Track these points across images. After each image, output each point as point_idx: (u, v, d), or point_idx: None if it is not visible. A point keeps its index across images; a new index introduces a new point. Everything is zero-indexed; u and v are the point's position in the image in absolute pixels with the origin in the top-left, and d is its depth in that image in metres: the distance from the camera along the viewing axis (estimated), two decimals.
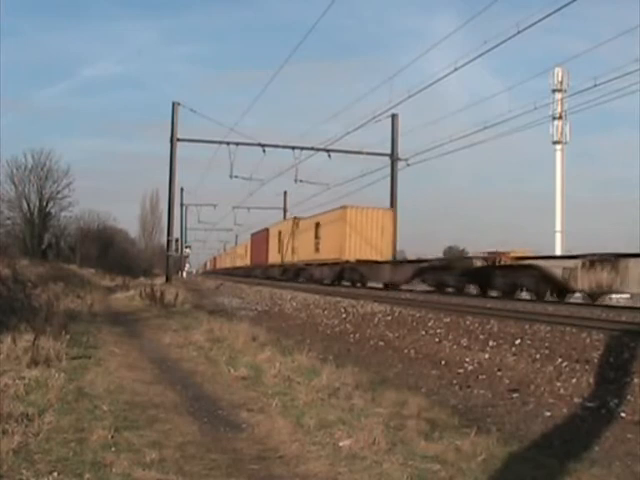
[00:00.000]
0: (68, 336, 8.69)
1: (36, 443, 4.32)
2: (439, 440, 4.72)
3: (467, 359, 9.53)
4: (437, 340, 11.14)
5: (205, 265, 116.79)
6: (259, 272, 49.41)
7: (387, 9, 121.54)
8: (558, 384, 7.59)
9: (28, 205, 50.82)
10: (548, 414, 6.65)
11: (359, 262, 29.34)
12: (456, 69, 20.55)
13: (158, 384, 6.87)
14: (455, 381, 8.49)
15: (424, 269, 24.17)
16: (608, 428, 6.00)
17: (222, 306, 22.61)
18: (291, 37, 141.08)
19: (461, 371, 9.06)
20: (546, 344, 9.00)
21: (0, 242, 39.24)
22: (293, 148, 35.04)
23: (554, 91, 49.28)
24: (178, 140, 35.44)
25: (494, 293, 20.51)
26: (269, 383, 6.89)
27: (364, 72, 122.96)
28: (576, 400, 7.04)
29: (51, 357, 7.42)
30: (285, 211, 58.73)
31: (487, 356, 9.41)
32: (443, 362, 9.74)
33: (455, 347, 10.44)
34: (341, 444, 4.55)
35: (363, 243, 29.89)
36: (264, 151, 35.34)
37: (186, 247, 61.95)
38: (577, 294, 18.07)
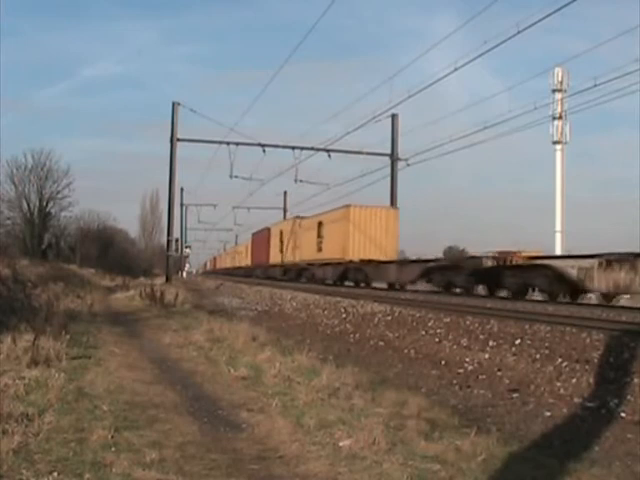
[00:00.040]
0: (68, 336, 8.69)
1: (36, 443, 4.32)
2: (439, 440, 4.72)
3: (467, 359, 9.53)
4: (437, 340, 11.14)
5: (205, 265, 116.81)
6: (260, 272, 48.93)
7: (387, 9, 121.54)
8: (558, 384, 7.59)
9: (28, 205, 50.85)
10: (548, 414, 6.66)
11: (363, 262, 28.76)
12: (456, 69, 20.57)
13: (158, 384, 6.87)
14: (455, 381, 8.49)
15: (431, 269, 23.63)
16: (608, 428, 6.01)
17: (222, 306, 22.62)
18: (291, 37, 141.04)
19: (461, 371, 9.06)
20: (546, 344, 9.01)
21: (0, 242, 39.24)
22: (293, 148, 35.07)
23: (554, 91, 49.23)
24: (178, 140, 35.46)
25: (503, 294, 20.02)
26: (269, 383, 6.89)
27: (364, 72, 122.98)
28: (576, 400, 7.04)
29: (51, 357, 7.42)
30: (285, 211, 58.76)
31: (487, 356, 9.41)
32: (443, 362, 9.74)
33: (455, 347, 10.44)
34: (341, 444, 4.55)
35: (367, 242, 29.32)
36: (264, 151, 35.40)
37: (186, 247, 61.98)
38: (590, 295, 17.52)
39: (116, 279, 37.26)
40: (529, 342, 9.34)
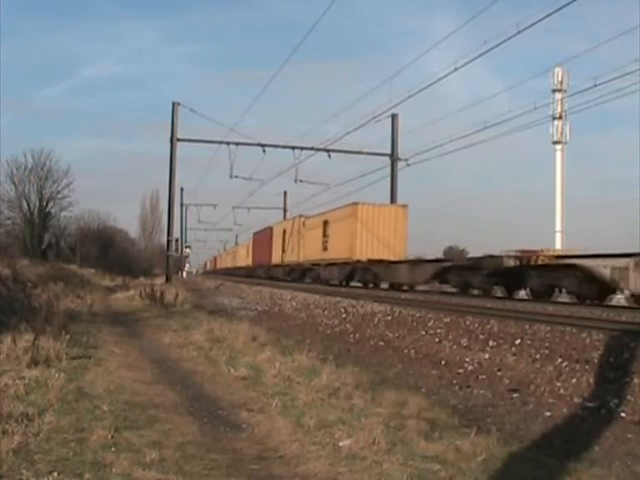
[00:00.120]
0: (68, 336, 8.69)
1: (36, 443, 4.32)
2: (439, 440, 4.72)
3: (467, 359, 9.53)
4: (437, 340, 11.14)
5: (205, 265, 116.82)
6: (262, 272, 48.15)
7: (387, 9, 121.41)
8: (558, 384, 7.59)
9: (28, 205, 50.87)
10: (548, 414, 6.66)
11: (371, 262, 27.81)
12: (456, 69, 20.53)
13: (158, 384, 6.87)
14: (455, 381, 8.49)
15: (447, 269, 22.61)
16: (608, 428, 6.01)
17: (222, 306, 22.62)
18: (291, 37, 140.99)
19: (461, 371, 9.06)
20: (546, 344, 9.00)
21: (0, 242, 39.25)
22: (293, 148, 35.06)
23: (554, 91, 49.23)
24: (178, 140, 35.47)
25: (522, 295, 19.39)
26: (269, 383, 6.89)
27: (364, 72, 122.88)
28: (576, 400, 7.04)
29: (51, 357, 7.42)
30: (285, 211, 58.75)
31: (487, 356, 9.41)
32: (443, 362, 9.74)
33: (455, 347, 10.44)
34: (341, 444, 4.55)
35: (375, 242, 28.31)
36: (264, 151, 35.40)
37: (186, 247, 61.98)
38: (618, 296, 16.72)
39: (116, 279, 37.27)
40: (529, 342, 9.34)
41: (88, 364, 7.65)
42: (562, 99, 43.27)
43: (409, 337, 11.91)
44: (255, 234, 53.41)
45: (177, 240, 42.30)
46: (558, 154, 53.81)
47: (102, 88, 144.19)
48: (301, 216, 38.10)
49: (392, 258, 27.15)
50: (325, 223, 32.84)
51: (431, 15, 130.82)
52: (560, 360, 8.25)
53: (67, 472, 3.81)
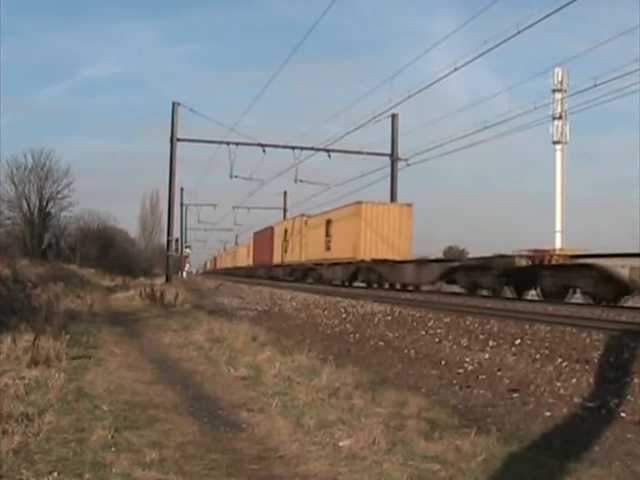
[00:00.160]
0: (68, 336, 8.69)
1: (36, 443, 4.32)
2: (439, 440, 4.72)
3: (467, 359, 9.53)
4: (437, 340, 11.14)
5: (205, 265, 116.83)
6: (262, 272, 47.68)
7: (387, 9, 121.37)
8: (558, 384, 7.59)
9: (28, 205, 50.92)
10: (548, 414, 6.66)
11: (376, 262, 27.21)
12: (456, 69, 20.52)
13: (158, 384, 6.88)
14: (455, 381, 8.49)
15: (455, 269, 21.97)
16: (608, 428, 6.01)
17: (222, 306, 22.62)
18: (291, 37, 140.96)
19: (461, 371, 9.06)
20: (546, 344, 9.00)
21: (0, 242, 39.26)
22: (293, 148, 35.07)
23: (554, 91, 49.14)
24: (178, 140, 35.49)
25: (532, 296, 18.86)
26: (269, 383, 6.89)
27: (364, 72, 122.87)
28: (576, 400, 7.04)
29: (51, 357, 7.42)
30: (285, 211, 58.77)
31: (487, 356, 9.41)
32: (443, 362, 9.74)
33: (455, 347, 10.44)
34: (341, 444, 4.55)
35: (379, 241, 27.80)
36: (264, 151, 35.42)
37: (186, 247, 62.01)
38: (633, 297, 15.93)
39: (116, 279, 37.27)
40: (529, 342, 9.34)
41: (88, 364, 7.65)
42: (562, 99, 43.23)
43: (409, 337, 11.91)
44: (256, 234, 52.95)
45: (177, 240, 42.32)
46: (558, 154, 53.70)
47: (102, 88, 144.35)
48: (303, 215, 37.50)
49: (397, 258, 26.63)
50: (328, 222, 32.28)
51: (431, 15, 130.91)
52: (560, 360, 8.25)
53: (67, 472, 3.81)
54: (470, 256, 22.75)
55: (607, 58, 76.89)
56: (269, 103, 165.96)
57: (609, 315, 11.44)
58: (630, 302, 15.96)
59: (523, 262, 18.61)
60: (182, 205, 58.83)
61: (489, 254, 20.50)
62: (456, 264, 22.25)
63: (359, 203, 28.85)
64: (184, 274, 64.47)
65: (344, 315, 15.87)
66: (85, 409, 5.38)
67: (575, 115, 58.44)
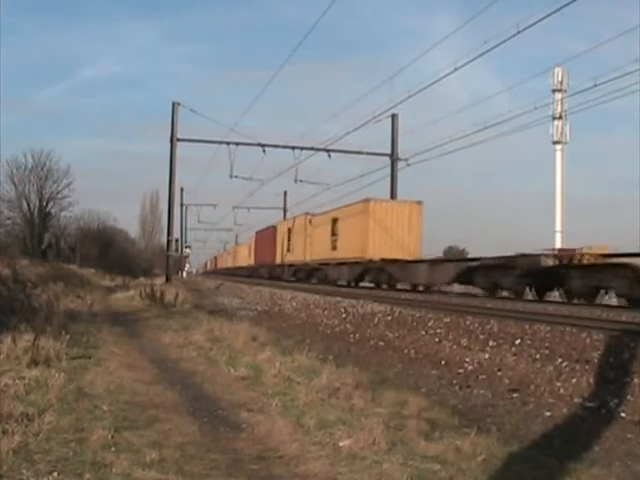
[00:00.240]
0: (68, 336, 8.69)
1: (36, 443, 4.32)
2: (439, 440, 4.72)
3: (467, 359, 9.53)
4: (437, 340, 11.14)
5: (205, 265, 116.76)
6: (265, 272, 46.77)
7: (387, 9, 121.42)
8: (558, 384, 7.59)
9: (28, 205, 50.90)
10: (548, 414, 6.66)
11: (385, 261, 26.14)
12: (456, 69, 20.54)
13: (158, 384, 6.88)
14: (455, 381, 8.49)
15: (473, 269, 20.84)
16: (608, 428, 6.01)
17: (222, 306, 22.61)
18: (291, 37, 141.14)
19: (461, 371, 9.06)
20: (546, 344, 9.00)
21: (0, 242, 39.25)
22: (293, 148, 35.05)
23: (554, 91, 49.18)
24: (178, 140, 35.47)
25: (555, 297, 18.12)
26: (269, 383, 6.89)
27: (364, 72, 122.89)
28: (576, 400, 7.04)
29: (51, 357, 7.42)
30: (285, 211, 58.70)
31: (487, 356, 9.41)
32: (443, 362, 9.74)
33: (455, 347, 10.44)
34: (341, 444, 4.55)
35: (388, 240, 26.72)
36: (264, 151, 35.39)
37: (186, 247, 61.98)
38: None
39: (116, 279, 37.26)
40: (529, 342, 9.33)
41: (88, 364, 7.65)
42: (562, 99, 43.26)
43: (409, 337, 11.90)
44: (258, 233, 52.28)
45: (177, 240, 42.27)
46: (558, 154, 53.75)
47: (102, 88, 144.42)
48: (307, 214, 36.75)
49: (406, 257, 25.68)
50: (334, 221, 31.33)
51: (431, 15, 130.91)
52: (560, 360, 8.25)
53: (67, 472, 3.81)
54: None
55: (607, 58, 76.86)
56: (269, 103, 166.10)
57: (609, 315, 11.43)
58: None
59: (549, 262, 17.73)
60: (182, 205, 58.88)
61: (511, 253, 19.41)
62: (474, 264, 21.15)
63: (367, 200, 27.93)
64: (184, 274, 64.45)
65: (344, 315, 15.87)
66: (85, 409, 5.39)
67: (575, 115, 58.44)
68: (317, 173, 46.62)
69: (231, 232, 75.26)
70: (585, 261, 16.70)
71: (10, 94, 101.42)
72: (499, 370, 8.68)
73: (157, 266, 64.11)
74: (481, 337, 10.41)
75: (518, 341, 9.52)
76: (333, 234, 31.40)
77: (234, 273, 64.51)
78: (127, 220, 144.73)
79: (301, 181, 36.85)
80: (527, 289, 19.08)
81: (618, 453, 5.24)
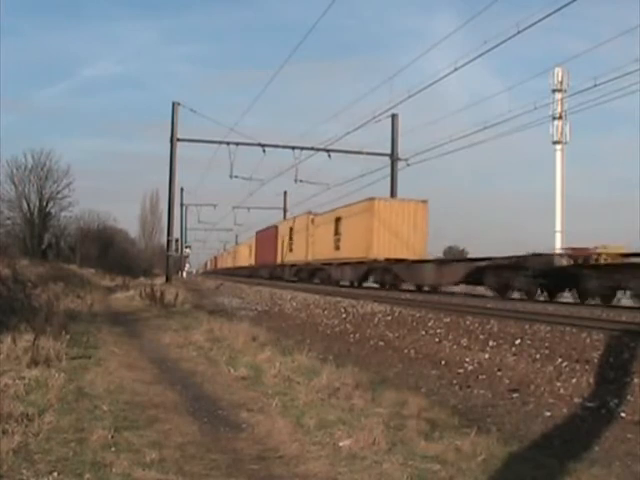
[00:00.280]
0: (68, 336, 8.69)
1: (36, 443, 4.32)
2: (439, 440, 4.72)
3: (467, 359, 9.53)
4: (437, 340, 11.14)
5: (205, 265, 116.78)
6: (265, 272, 46.43)
7: (387, 9, 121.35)
8: (558, 384, 7.59)
9: (28, 205, 50.90)
10: (548, 414, 6.66)
11: (390, 261, 25.75)
12: (456, 69, 20.54)
13: (158, 384, 6.87)
14: (455, 381, 8.49)
15: (482, 269, 20.25)
16: (608, 428, 6.01)
17: (222, 306, 22.62)
18: (291, 37, 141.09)
19: (461, 371, 9.06)
20: (546, 344, 9.00)
21: (0, 242, 39.24)
22: (293, 148, 35.05)
23: (554, 91, 49.17)
24: (178, 140, 35.48)
25: (566, 298, 17.68)
26: (269, 383, 6.89)
27: (364, 72, 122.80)
28: (576, 400, 7.04)
29: (51, 357, 7.41)
30: (285, 211, 58.72)
31: (487, 356, 9.41)
32: (443, 362, 9.74)
33: (455, 347, 10.44)
34: (341, 444, 4.55)
35: (393, 239, 26.33)
36: (264, 151, 35.39)
37: (186, 247, 61.97)
38: None
39: (116, 279, 37.23)
40: (529, 342, 9.34)
41: (88, 364, 7.65)
42: (562, 99, 43.26)
43: (409, 337, 11.91)
44: (258, 232, 52.06)
45: (177, 240, 42.28)
46: (558, 154, 53.75)
47: (102, 88, 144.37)
48: (309, 213, 36.31)
49: (412, 257, 25.28)
50: (337, 220, 30.83)
51: (431, 15, 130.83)
52: (560, 360, 8.25)
53: (67, 472, 3.81)
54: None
55: (607, 58, 76.88)
56: (269, 103, 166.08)
57: (609, 315, 11.44)
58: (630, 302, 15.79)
59: (564, 261, 17.37)
60: (182, 205, 58.88)
61: (523, 253, 18.88)
62: (484, 263, 20.52)
63: (372, 199, 27.56)
64: (184, 274, 64.44)
65: (344, 315, 15.87)
66: (85, 409, 5.38)
67: (575, 115, 58.42)
68: (317, 173, 46.79)
69: (231, 232, 75.40)
70: (602, 261, 16.21)
71: (10, 94, 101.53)
72: (499, 370, 8.68)
73: (157, 266, 64.09)
74: (481, 337, 10.41)
75: (518, 341, 9.52)
76: (336, 233, 31.02)
77: (234, 273, 64.47)
78: (127, 220, 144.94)
79: (301, 181, 36.87)
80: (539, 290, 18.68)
81: (618, 453, 5.24)
